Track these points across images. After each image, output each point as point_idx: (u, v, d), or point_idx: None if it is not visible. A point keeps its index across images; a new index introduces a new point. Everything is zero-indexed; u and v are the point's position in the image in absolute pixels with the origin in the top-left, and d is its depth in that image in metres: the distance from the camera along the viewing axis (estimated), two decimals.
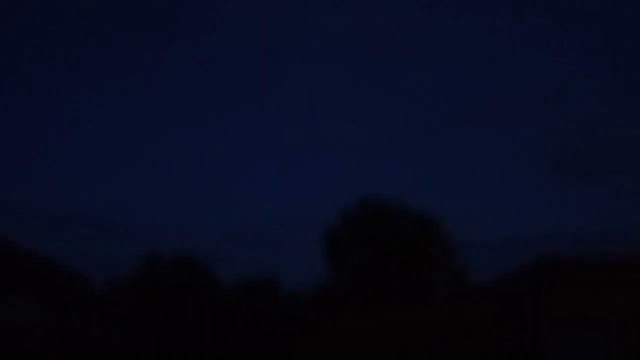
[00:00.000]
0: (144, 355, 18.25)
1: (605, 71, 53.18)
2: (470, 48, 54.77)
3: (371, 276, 26.05)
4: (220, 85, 56.40)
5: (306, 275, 31.62)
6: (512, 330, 18.32)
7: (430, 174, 50.80)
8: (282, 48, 54.96)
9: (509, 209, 48.85)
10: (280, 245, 41.09)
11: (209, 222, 44.56)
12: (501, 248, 35.79)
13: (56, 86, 56.07)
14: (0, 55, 52.66)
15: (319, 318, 21.49)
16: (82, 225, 38.44)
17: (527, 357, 17.71)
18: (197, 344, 19.24)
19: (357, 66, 56.13)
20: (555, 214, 45.07)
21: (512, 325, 18.42)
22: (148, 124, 56.97)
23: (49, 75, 53.87)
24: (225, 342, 19.70)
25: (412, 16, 51.99)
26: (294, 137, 55.98)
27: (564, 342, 17.51)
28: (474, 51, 53.64)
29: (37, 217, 36.21)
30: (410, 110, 57.05)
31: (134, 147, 55.37)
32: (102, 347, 17.64)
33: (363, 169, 50.40)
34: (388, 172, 49.28)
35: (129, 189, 48.89)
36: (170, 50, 55.23)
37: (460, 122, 54.32)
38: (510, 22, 52.44)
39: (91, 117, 54.67)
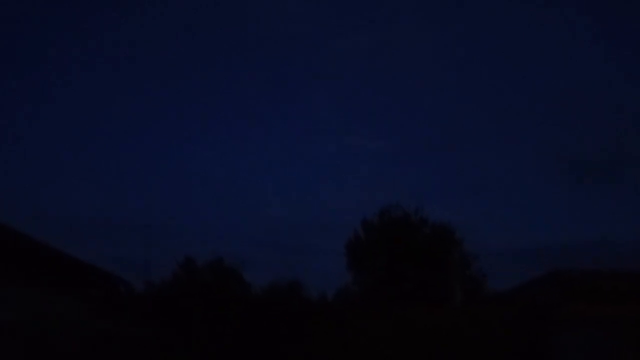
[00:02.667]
0: (178, 355, 19.11)
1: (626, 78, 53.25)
2: (488, 56, 55.35)
3: (391, 283, 26.74)
4: (250, 94, 57.66)
5: (329, 281, 32.59)
6: (527, 339, 18.72)
7: (449, 182, 51.42)
8: (309, 62, 56.23)
9: (528, 218, 49.38)
10: (306, 251, 42.18)
11: (238, 228, 45.72)
12: (520, 256, 36.36)
13: (96, 93, 57.41)
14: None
15: (340, 323, 22.17)
16: (121, 230, 39.64)
17: None
18: (228, 345, 20.05)
19: (379, 78, 57.13)
20: (574, 223, 45.38)
21: (528, 334, 18.82)
22: (184, 134, 58.34)
23: (86, 80, 55.32)
24: (253, 343, 20.56)
25: (428, 30, 52.85)
26: (320, 147, 57.10)
27: (579, 352, 17.83)
28: (493, 59, 54.16)
29: (78, 223, 37.41)
30: (430, 120, 57.88)
31: (172, 156, 56.82)
32: (138, 346, 18.49)
33: (385, 178, 51.18)
34: (409, 181, 50.07)
35: (166, 196, 50.25)
36: (204, 60, 56.62)
37: (479, 132, 54.78)
38: (531, 29, 53.05)
39: (130, 125, 56.08)
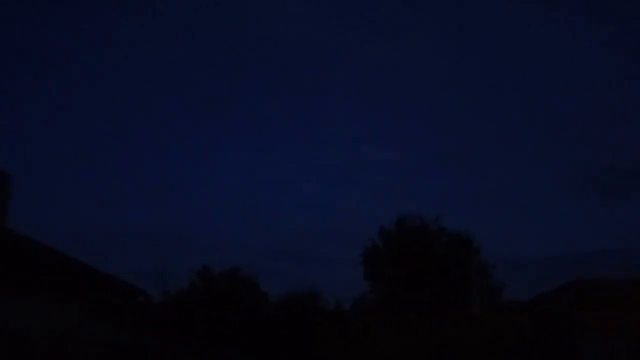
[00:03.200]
0: None
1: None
2: (507, 70, 55.35)
3: (408, 292, 26.54)
4: (267, 106, 58.25)
5: (346, 290, 32.46)
6: (548, 348, 18.57)
7: (466, 193, 51.25)
8: (326, 73, 56.68)
9: (545, 228, 49.01)
10: (323, 261, 42.23)
11: (256, 238, 45.97)
12: (537, 266, 36.03)
13: (109, 106, 58.12)
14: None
15: (357, 331, 22.09)
16: (134, 240, 39.96)
17: None
18: (245, 352, 20.07)
19: (396, 90, 57.39)
20: (591, 233, 45.04)
21: (549, 343, 18.67)
22: (201, 146, 58.98)
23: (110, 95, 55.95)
24: (270, 351, 20.56)
25: (445, 43, 52.93)
26: (336, 157, 57.34)
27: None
28: (512, 73, 54.20)
29: (97, 235, 37.81)
30: (450, 132, 57.91)
31: (189, 168, 57.46)
32: (156, 355, 18.54)
33: (401, 188, 51.27)
34: (425, 191, 50.13)
35: (184, 207, 50.72)
36: (220, 72, 57.26)
37: (497, 143, 54.72)
38: (549, 47, 52.91)
39: (146, 137, 56.77)
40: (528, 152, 53.79)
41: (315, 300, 26.73)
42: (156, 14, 53.55)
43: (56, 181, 50.55)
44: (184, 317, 20.64)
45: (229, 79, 58.50)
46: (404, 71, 55.91)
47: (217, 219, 52.50)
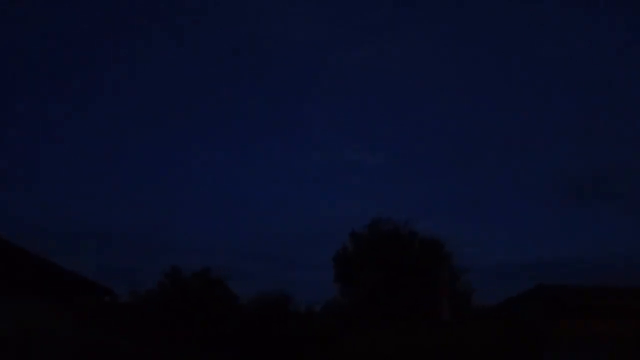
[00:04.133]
0: None
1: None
2: (486, 77, 56.01)
3: (379, 297, 26.62)
4: (245, 108, 58.05)
5: (319, 293, 32.48)
6: (514, 354, 18.75)
7: (440, 198, 51.65)
8: (306, 76, 56.82)
9: (517, 234, 49.59)
10: (297, 263, 42.17)
11: (227, 239, 45.65)
12: (508, 272, 36.53)
13: (82, 106, 57.37)
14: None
15: (327, 335, 22.13)
16: (106, 240, 39.48)
17: None
18: (214, 355, 20.00)
19: (375, 97, 57.71)
20: (562, 240, 45.75)
21: (514, 349, 18.86)
22: (172, 145, 58.34)
23: (76, 92, 55.28)
24: (240, 354, 20.51)
25: (427, 48, 53.40)
26: (314, 160, 57.35)
27: None
28: (490, 80, 54.86)
29: (64, 233, 37.26)
30: (427, 137, 58.35)
31: (159, 167, 56.76)
32: (122, 354, 18.38)
33: (378, 192, 51.40)
34: (402, 195, 50.33)
35: (153, 207, 50.13)
36: (199, 77, 56.94)
37: (472, 150, 55.30)
38: (529, 53, 53.75)
39: (117, 137, 56.02)
40: (502, 159, 54.44)
41: (285, 303, 26.73)
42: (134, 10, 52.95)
43: (26, 180, 49.67)
44: (152, 317, 20.49)
45: (208, 78, 58.18)
46: (386, 74, 56.21)
47: (191, 219, 52.08)
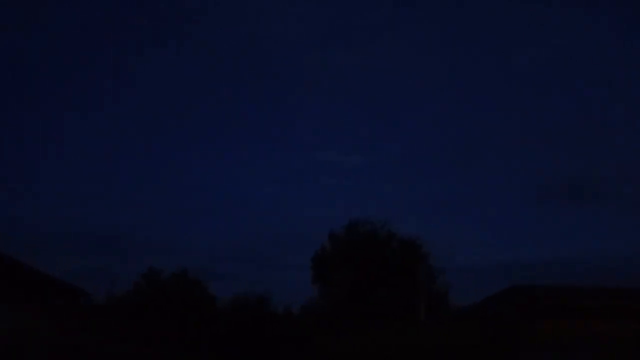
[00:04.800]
0: None
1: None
2: (465, 80, 56.59)
3: (357, 297, 26.74)
4: (223, 108, 57.77)
5: (297, 294, 32.53)
6: (489, 354, 18.90)
7: (418, 199, 51.93)
8: (286, 77, 56.83)
9: (495, 235, 50.10)
10: (275, 263, 42.22)
11: (205, 240, 45.44)
12: (485, 272, 36.84)
13: (56, 104, 56.74)
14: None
15: (304, 336, 22.16)
16: (84, 241, 39.09)
17: None
18: (191, 356, 19.92)
19: (355, 98, 57.89)
20: (540, 241, 46.23)
21: (489, 349, 19.02)
22: (149, 144, 57.83)
23: (51, 91, 54.64)
24: (217, 355, 20.45)
25: (407, 50, 53.74)
26: (292, 161, 57.35)
27: None
28: (469, 84, 55.37)
29: (38, 234, 36.78)
30: (401, 138, 58.71)
31: (135, 165, 56.22)
32: (98, 356, 18.23)
33: (357, 193, 51.56)
34: (380, 196, 50.46)
35: (130, 207, 49.61)
36: (175, 78, 56.58)
37: (450, 151, 55.78)
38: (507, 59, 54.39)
39: (91, 136, 55.33)
40: (479, 160, 54.98)
41: (263, 304, 26.72)
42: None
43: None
44: (129, 318, 20.35)
45: (184, 79, 57.87)
46: (363, 75, 56.40)
47: (169, 219, 51.75)
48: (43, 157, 52.99)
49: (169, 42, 55.50)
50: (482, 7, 52.04)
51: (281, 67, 56.17)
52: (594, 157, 51.12)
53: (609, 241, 42.21)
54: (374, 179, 55.02)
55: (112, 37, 54.30)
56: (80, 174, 53.47)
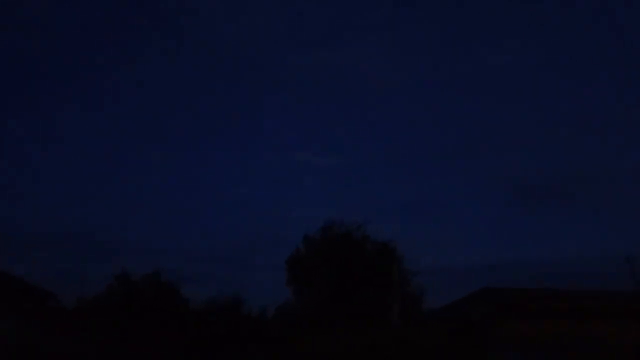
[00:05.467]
0: None
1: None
2: (443, 82, 57.10)
3: (331, 299, 26.75)
4: (197, 108, 57.59)
5: (272, 296, 32.48)
6: (459, 355, 19.08)
7: (392, 201, 52.34)
8: (260, 76, 56.81)
9: (468, 237, 50.65)
10: (251, 265, 42.13)
11: (180, 242, 45.25)
12: (458, 274, 37.19)
13: (33, 106, 56.11)
14: None
15: (278, 337, 22.14)
16: (57, 243, 38.64)
17: None
18: (165, 358, 19.76)
19: (334, 100, 58.15)
20: (511, 243, 46.92)
21: (459, 350, 19.19)
22: (124, 146, 57.48)
23: (29, 95, 53.97)
24: (191, 357, 20.31)
25: (384, 52, 54.07)
26: (269, 164, 57.41)
27: None
28: (447, 85, 55.98)
29: (6, 235, 36.28)
30: (376, 140, 59.11)
31: (109, 168, 55.81)
32: (66, 358, 18.02)
33: (332, 194, 51.83)
34: (355, 198, 50.78)
35: (104, 210, 49.23)
36: (155, 80, 56.23)
37: (424, 154, 56.27)
38: (485, 61, 54.83)
39: (67, 137, 54.88)
40: (453, 163, 55.69)
41: (238, 306, 26.60)
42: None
43: None
44: (99, 320, 20.11)
45: (165, 81, 57.61)
46: (340, 79, 56.78)
47: (143, 221, 51.43)
48: (12, 159, 52.35)
49: (150, 53, 55.33)
50: (458, 12, 52.69)
51: (257, 68, 56.26)
52: (567, 160, 52.04)
53: (580, 244, 43.02)
54: (347, 181, 55.38)
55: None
56: (52, 176, 52.95)
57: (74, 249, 39.48)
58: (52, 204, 49.15)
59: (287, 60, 55.45)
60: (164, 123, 58.82)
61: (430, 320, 22.98)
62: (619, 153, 56.28)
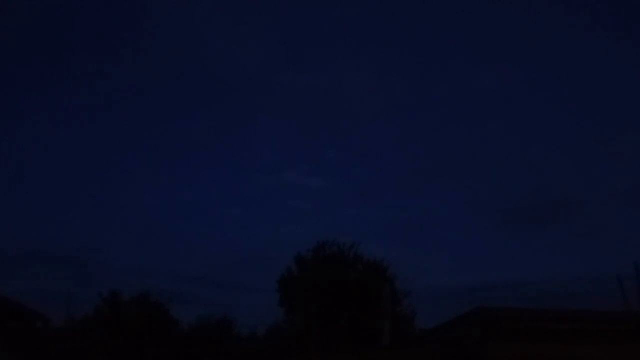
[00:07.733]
0: None
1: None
2: (430, 104, 57.58)
3: (323, 320, 26.59)
4: (187, 129, 57.68)
5: (262, 317, 32.27)
6: None
7: (384, 221, 52.40)
8: (251, 97, 57.08)
9: (459, 258, 50.74)
10: (241, 286, 41.91)
11: (170, 263, 44.98)
12: (450, 295, 37.20)
13: (20, 123, 55.94)
14: None
15: (271, 359, 21.94)
16: (45, 263, 38.32)
17: None
18: None
19: (322, 121, 58.46)
20: (502, 264, 47.00)
21: None
22: (113, 167, 57.35)
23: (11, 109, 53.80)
24: None
25: (372, 72, 54.52)
26: (258, 184, 57.43)
27: None
28: (434, 107, 56.44)
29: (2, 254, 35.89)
30: (368, 161, 59.34)
31: (98, 188, 55.59)
32: None
33: (323, 215, 51.82)
34: (347, 218, 50.77)
35: (92, 229, 48.89)
36: (144, 98, 56.29)
37: (416, 174, 56.53)
38: (468, 82, 55.37)
39: (54, 157, 54.68)
40: (446, 184, 55.94)
41: (228, 327, 26.42)
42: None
43: None
44: (87, 342, 19.87)
45: (153, 99, 57.69)
46: (329, 99, 57.15)
47: (131, 243, 51.11)
48: (5, 178, 52.07)
49: (136, 74, 55.46)
50: (442, 35, 53.34)
51: (247, 89, 56.59)
52: (555, 182, 52.44)
53: (570, 265, 43.15)
54: (339, 202, 55.45)
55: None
56: (40, 195, 52.63)
57: (63, 270, 39.12)
58: (38, 224, 48.75)
59: (276, 82, 55.80)
60: (154, 144, 58.86)
61: (422, 341, 22.89)
62: (607, 175, 56.85)
